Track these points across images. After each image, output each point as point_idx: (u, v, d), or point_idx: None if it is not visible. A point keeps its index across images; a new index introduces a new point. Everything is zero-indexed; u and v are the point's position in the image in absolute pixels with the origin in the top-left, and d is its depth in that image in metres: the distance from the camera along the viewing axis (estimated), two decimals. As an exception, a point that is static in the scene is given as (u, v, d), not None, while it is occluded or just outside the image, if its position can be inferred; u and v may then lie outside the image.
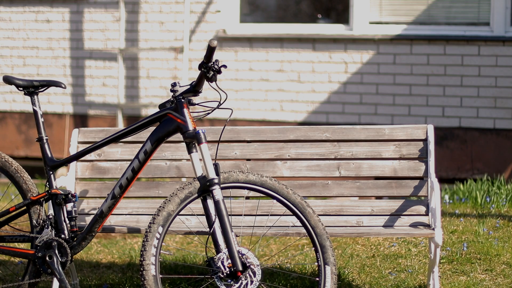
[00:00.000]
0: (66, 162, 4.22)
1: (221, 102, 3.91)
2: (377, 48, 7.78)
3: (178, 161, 4.66)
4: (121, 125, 8.31)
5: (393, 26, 7.81)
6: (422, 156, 4.50)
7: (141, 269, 3.78)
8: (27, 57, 8.86)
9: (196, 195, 3.87)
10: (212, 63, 3.81)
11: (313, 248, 3.94)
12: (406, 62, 7.71)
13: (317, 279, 3.91)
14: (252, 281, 3.79)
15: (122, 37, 8.39)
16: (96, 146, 4.14)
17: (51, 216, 4.11)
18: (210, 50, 3.77)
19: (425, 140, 4.50)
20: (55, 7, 8.73)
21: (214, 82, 3.85)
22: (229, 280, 3.78)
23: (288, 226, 4.17)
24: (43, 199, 4.17)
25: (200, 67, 3.83)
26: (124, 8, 8.40)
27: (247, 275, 3.78)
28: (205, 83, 3.89)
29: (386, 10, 7.90)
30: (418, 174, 4.50)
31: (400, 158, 4.52)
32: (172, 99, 3.95)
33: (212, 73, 3.82)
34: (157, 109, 4.02)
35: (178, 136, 4.02)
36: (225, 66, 3.84)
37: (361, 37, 7.80)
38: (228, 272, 3.76)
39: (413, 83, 7.69)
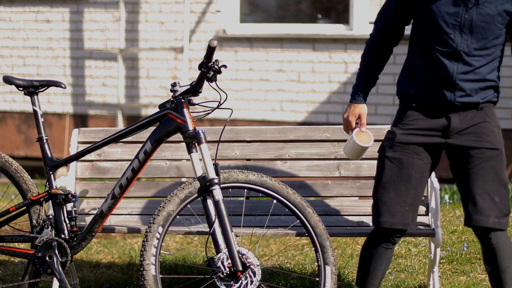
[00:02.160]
0: (66, 162, 4.22)
1: (221, 102, 3.91)
2: (377, 48, 7.77)
3: (178, 161, 4.66)
4: (121, 125, 8.31)
5: (393, 26, 7.80)
6: (422, 156, 4.48)
7: (141, 269, 3.78)
8: (27, 57, 8.86)
9: (196, 195, 3.87)
10: (212, 63, 3.81)
11: (313, 248, 3.94)
12: (406, 62, 7.71)
13: (317, 279, 3.91)
14: (252, 281, 3.79)
15: (122, 37, 8.39)
16: (96, 146, 4.14)
17: (51, 216, 4.11)
18: (210, 50, 3.77)
19: (425, 140, 4.48)
20: (55, 7, 8.73)
21: (214, 82, 3.85)
22: (229, 280, 3.78)
23: (288, 226, 4.17)
24: (43, 199, 4.17)
25: (200, 67, 3.83)
26: (124, 8, 8.40)
27: (247, 275, 3.78)
28: (205, 83, 3.89)
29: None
30: (418, 174, 4.49)
31: (400, 158, 4.51)
32: (172, 99, 3.96)
33: (212, 73, 3.82)
34: (157, 109, 4.02)
35: (178, 136, 4.02)
36: (225, 66, 3.84)
37: (361, 37, 7.80)
38: (228, 272, 3.76)
39: (413, 83, 7.68)
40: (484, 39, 3.68)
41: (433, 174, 4.41)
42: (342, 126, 4.05)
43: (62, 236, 4.08)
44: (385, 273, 3.88)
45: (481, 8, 3.63)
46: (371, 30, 3.94)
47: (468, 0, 3.62)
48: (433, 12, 3.68)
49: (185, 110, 3.90)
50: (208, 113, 4.00)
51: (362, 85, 3.98)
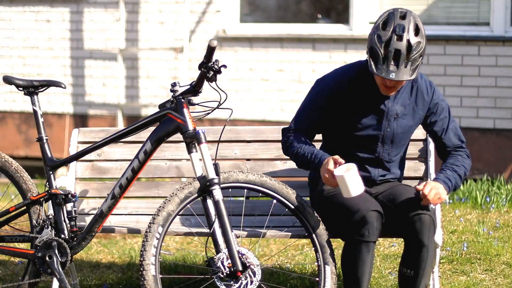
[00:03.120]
0: (66, 162, 4.23)
1: (221, 102, 3.91)
2: (377, 48, 7.77)
3: (177, 161, 4.65)
4: (121, 125, 8.31)
5: (393, 26, 7.80)
6: (422, 156, 4.49)
7: (141, 269, 3.78)
8: (27, 57, 8.86)
9: (196, 195, 3.87)
10: (212, 63, 3.81)
11: (313, 248, 3.94)
12: (406, 62, 7.70)
13: (317, 279, 3.91)
14: (252, 281, 3.79)
15: (122, 37, 8.39)
16: (96, 146, 4.14)
17: (51, 216, 4.11)
18: (210, 50, 3.77)
19: (425, 140, 4.49)
20: (55, 7, 8.73)
21: (214, 82, 3.85)
22: (229, 280, 3.78)
23: (288, 226, 4.17)
24: (43, 199, 4.17)
25: (200, 67, 3.83)
26: (124, 8, 8.40)
27: (247, 275, 3.78)
28: (205, 83, 3.89)
29: (386, 10, 7.89)
30: (418, 174, 4.49)
31: (400, 158, 4.52)
32: (172, 99, 3.96)
33: (212, 73, 3.82)
34: (157, 109, 4.02)
35: (177, 136, 4.02)
36: (225, 66, 3.84)
37: (361, 37, 7.79)
38: (228, 272, 3.76)
39: (413, 83, 7.68)
40: (402, 146, 4.10)
41: (433, 174, 4.42)
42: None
43: (62, 236, 4.08)
44: (371, 273, 3.90)
45: (401, 121, 4.00)
46: (286, 135, 4.08)
47: (390, 115, 3.96)
48: (357, 126, 3.97)
49: (185, 110, 3.91)
50: (208, 113, 4.00)
51: (320, 152, 3.99)
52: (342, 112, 3.98)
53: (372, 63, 3.80)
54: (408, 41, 3.77)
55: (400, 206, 3.89)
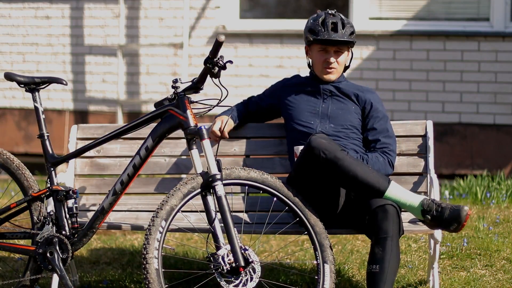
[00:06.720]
0: (67, 158, 4.22)
1: (221, 100, 3.92)
2: (377, 43, 7.78)
3: (177, 158, 4.66)
4: (121, 121, 8.30)
5: (393, 22, 7.81)
6: (421, 152, 4.50)
7: (144, 262, 3.75)
8: (26, 54, 8.85)
9: (199, 190, 3.86)
10: (217, 58, 3.80)
11: (312, 247, 3.94)
12: (406, 57, 7.71)
13: (316, 277, 3.91)
14: (252, 278, 3.79)
15: (122, 33, 8.39)
16: (98, 142, 4.13)
17: (52, 213, 4.11)
18: (217, 45, 3.76)
19: (424, 136, 4.50)
20: (55, 3, 8.72)
21: (217, 79, 3.85)
22: (230, 276, 3.78)
23: (288, 224, 4.16)
24: (44, 195, 4.17)
25: (205, 62, 3.82)
26: (124, 4, 8.39)
27: (247, 271, 3.78)
28: (207, 79, 3.89)
29: (385, 5, 7.90)
30: (417, 170, 4.50)
31: (399, 154, 4.52)
32: (172, 95, 3.96)
33: (217, 69, 3.81)
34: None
35: (177, 133, 4.01)
36: (231, 62, 3.83)
37: (361, 33, 7.79)
38: (229, 268, 3.76)
39: (413, 78, 7.69)
40: (340, 125, 4.30)
41: (432, 170, 4.42)
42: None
43: (63, 232, 4.08)
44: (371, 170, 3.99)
45: (336, 99, 4.37)
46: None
47: (324, 93, 4.37)
48: (297, 105, 4.38)
49: (187, 106, 3.90)
50: (210, 110, 4.00)
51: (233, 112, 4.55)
52: (288, 102, 4.41)
53: (313, 37, 4.30)
54: (341, 17, 4.32)
55: (364, 204, 3.96)
